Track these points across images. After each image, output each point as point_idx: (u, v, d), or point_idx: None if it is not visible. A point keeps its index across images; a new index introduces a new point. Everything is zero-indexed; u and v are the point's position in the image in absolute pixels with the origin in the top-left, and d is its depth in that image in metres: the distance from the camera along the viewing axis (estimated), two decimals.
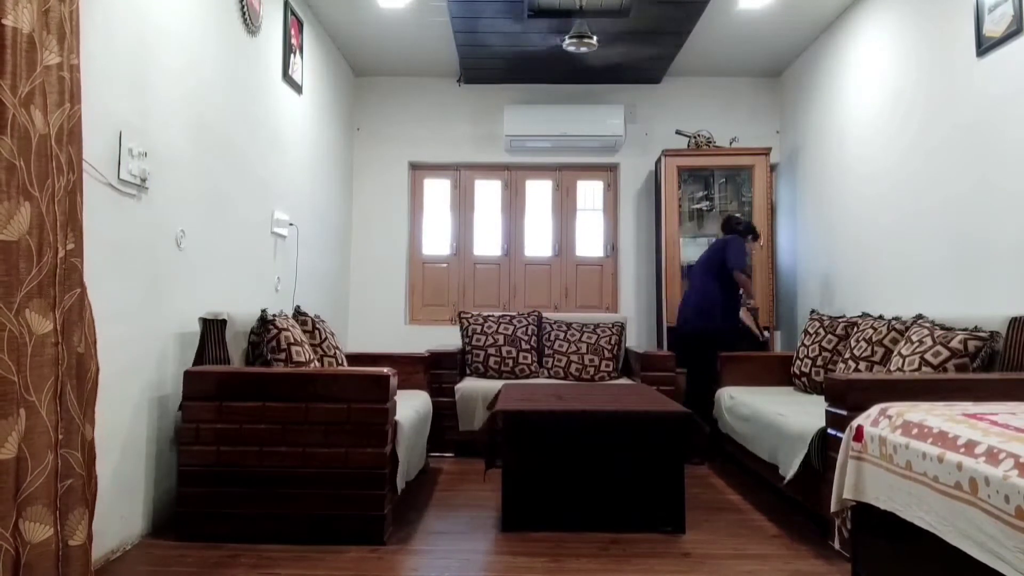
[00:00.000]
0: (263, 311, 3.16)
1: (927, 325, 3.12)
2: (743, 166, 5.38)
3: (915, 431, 1.92)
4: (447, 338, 5.22)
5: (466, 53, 5.18)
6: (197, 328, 3.00)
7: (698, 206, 5.58)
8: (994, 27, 3.15)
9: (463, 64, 5.43)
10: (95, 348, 2.13)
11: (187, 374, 2.79)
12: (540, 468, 2.94)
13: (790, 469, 2.85)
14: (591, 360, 4.69)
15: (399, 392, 2.98)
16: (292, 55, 4.29)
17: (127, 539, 2.66)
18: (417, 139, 5.82)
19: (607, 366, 4.69)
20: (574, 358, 4.72)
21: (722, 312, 4.52)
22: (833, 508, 2.27)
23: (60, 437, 1.95)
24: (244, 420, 2.73)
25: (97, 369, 2.13)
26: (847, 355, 3.50)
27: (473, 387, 4.38)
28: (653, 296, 5.70)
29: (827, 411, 2.62)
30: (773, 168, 5.56)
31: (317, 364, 3.27)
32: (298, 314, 3.52)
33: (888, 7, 4.10)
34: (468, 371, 4.77)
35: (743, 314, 4.75)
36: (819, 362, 3.79)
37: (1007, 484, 1.49)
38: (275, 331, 3.06)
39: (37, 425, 1.86)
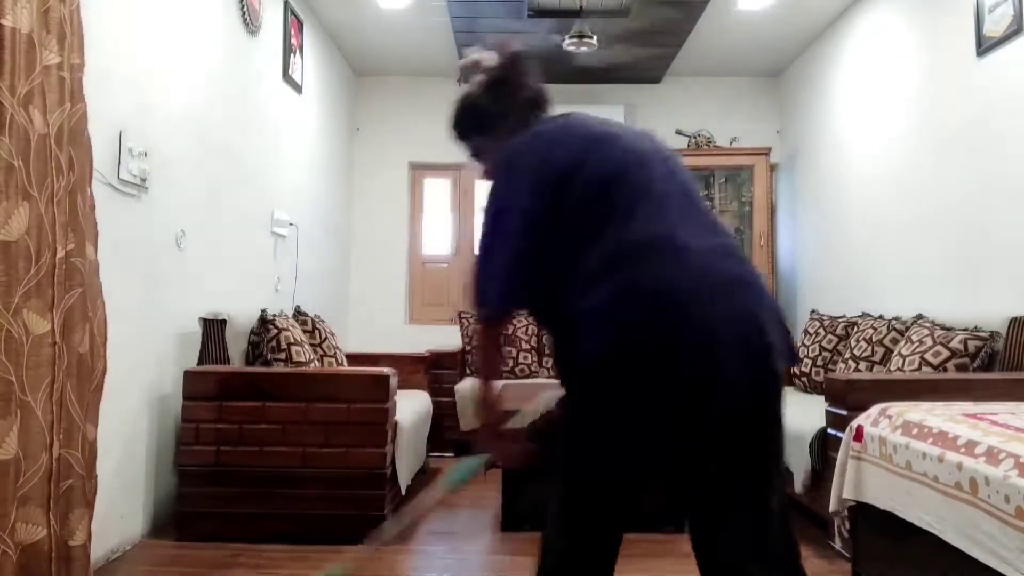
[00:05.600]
0: (263, 311, 3.16)
1: (927, 325, 3.12)
2: (743, 166, 5.38)
3: (915, 431, 1.92)
4: (447, 338, 5.21)
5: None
6: (197, 328, 2.99)
7: None
8: (994, 27, 3.14)
9: None
10: (104, 348, 2.13)
11: (187, 374, 2.79)
12: (540, 468, 2.94)
13: (798, 482, 2.82)
14: None
15: (399, 392, 2.98)
16: (292, 55, 4.29)
17: (127, 539, 2.66)
18: (417, 139, 5.82)
19: None
20: None
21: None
22: (833, 508, 2.27)
23: (61, 438, 1.95)
24: (244, 420, 2.73)
25: (104, 369, 2.13)
26: (847, 355, 3.50)
27: (473, 387, 4.38)
28: None
29: (827, 411, 2.62)
30: (773, 168, 5.55)
31: (317, 364, 3.27)
32: (298, 314, 3.52)
33: (888, 7, 4.10)
34: (468, 371, 4.77)
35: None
36: (819, 362, 3.79)
37: (1007, 484, 1.49)
38: (275, 331, 3.06)
39: (33, 426, 1.86)
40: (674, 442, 1.18)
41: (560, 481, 1.36)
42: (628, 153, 1.31)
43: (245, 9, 3.60)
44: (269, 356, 3.04)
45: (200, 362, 2.95)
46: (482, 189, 6.42)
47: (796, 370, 3.95)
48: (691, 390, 1.14)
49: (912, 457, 1.87)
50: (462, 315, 4.96)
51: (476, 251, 1.37)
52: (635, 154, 1.31)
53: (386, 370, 2.82)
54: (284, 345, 3.04)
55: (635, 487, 1.28)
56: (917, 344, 3.00)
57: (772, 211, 5.47)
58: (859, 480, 2.13)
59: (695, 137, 5.42)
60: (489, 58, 1.49)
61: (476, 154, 1.58)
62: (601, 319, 1.17)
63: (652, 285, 1.16)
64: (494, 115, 1.48)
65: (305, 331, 3.40)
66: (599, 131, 1.34)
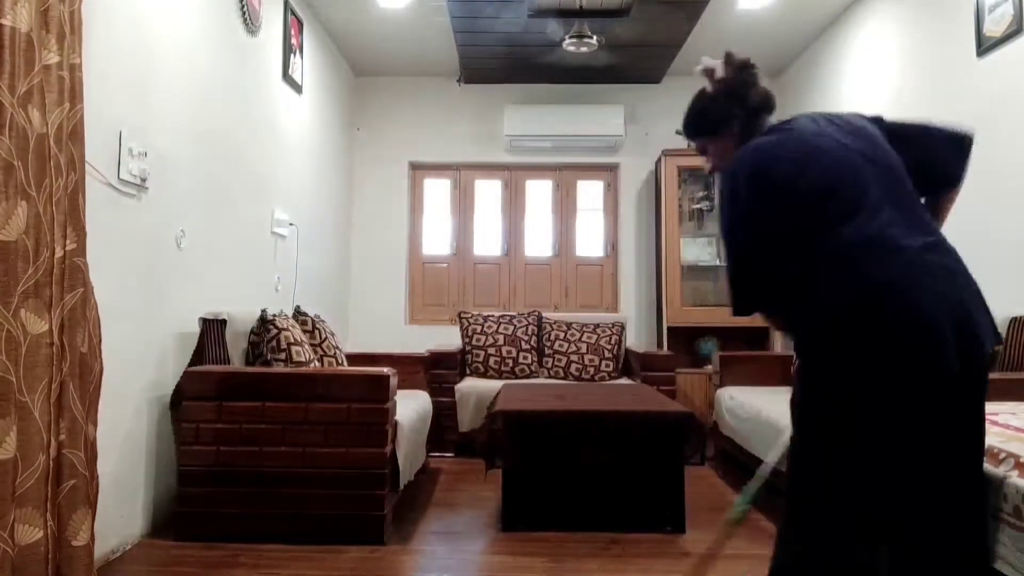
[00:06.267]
0: (263, 311, 3.16)
1: None
2: None
3: None
4: (447, 338, 5.21)
5: (466, 53, 5.17)
6: (197, 328, 2.99)
7: (698, 206, 5.58)
8: (994, 27, 3.14)
9: (463, 64, 5.42)
10: (99, 348, 2.13)
11: (187, 374, 2.79)
12: (540, 468, 2.94)
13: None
14: (591, 360, 4.69)
15: (399, 392, 2.98)
16: (292, 55, 4.29)
17: (127, 539, 2.66)
18: (417, 139, 5.82)
19: (607, 366, 4.69)
20: (574, 358, 4.72)
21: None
22: None
23: (63, 439, 1.95)
24: (244, 420, 2.73)
25: (101, 369, 2.13)
26: None
27: (473, 387, 4.38)
28: (653, 296, 5.70)
29: None
30: None
31: (317, 364, 3.27)
32: (298, 314, 3.52)
33: (888, 7, 4.10)
34: (468, 371, 4.77)
35: None
36: None
37: (1007, 484, 1.49)
38: (275, 331, 3.06)
39: (29, 426, 1.86)
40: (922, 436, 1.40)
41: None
42: (842, 166, 1.45)
43: (245, 9, 3.60)
44: (269, 356, 3.04)
45: (197, 362, 2.94)
46: (483, 190, 6.37)
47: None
48: (914, 370, 1.34)
49: None
50: (462, 315, 4.96)
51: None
52: (848, 167, 1.45)
53: (386, 370, 2.82)
54: (284, 345, 3.04)
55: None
56: None
57: None
58: None
59: None
60: (720, 68, 1.70)
61: (702, 151, 1.75)
62: (819, 322, 1.39)
63: (870, 281, 1.35)
64: (722, 120, 1.67)
65: (305, 331, 3.40)
66: (812, 146, 1.48)
